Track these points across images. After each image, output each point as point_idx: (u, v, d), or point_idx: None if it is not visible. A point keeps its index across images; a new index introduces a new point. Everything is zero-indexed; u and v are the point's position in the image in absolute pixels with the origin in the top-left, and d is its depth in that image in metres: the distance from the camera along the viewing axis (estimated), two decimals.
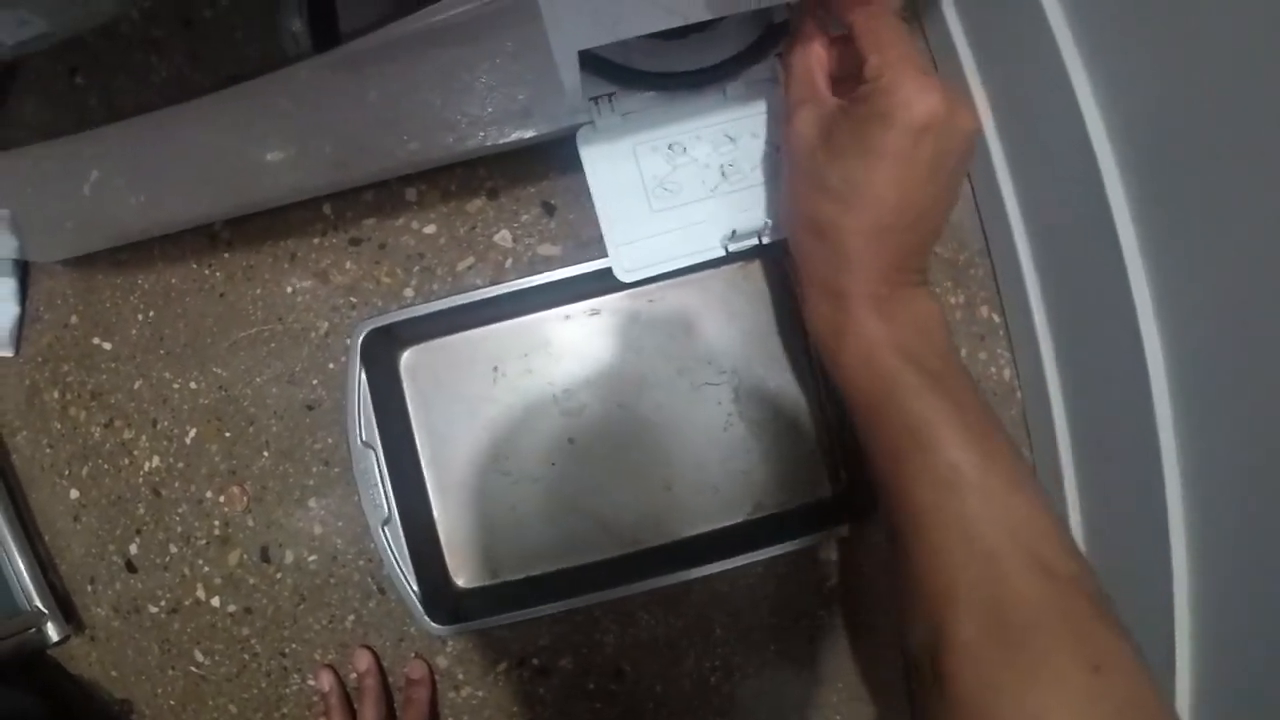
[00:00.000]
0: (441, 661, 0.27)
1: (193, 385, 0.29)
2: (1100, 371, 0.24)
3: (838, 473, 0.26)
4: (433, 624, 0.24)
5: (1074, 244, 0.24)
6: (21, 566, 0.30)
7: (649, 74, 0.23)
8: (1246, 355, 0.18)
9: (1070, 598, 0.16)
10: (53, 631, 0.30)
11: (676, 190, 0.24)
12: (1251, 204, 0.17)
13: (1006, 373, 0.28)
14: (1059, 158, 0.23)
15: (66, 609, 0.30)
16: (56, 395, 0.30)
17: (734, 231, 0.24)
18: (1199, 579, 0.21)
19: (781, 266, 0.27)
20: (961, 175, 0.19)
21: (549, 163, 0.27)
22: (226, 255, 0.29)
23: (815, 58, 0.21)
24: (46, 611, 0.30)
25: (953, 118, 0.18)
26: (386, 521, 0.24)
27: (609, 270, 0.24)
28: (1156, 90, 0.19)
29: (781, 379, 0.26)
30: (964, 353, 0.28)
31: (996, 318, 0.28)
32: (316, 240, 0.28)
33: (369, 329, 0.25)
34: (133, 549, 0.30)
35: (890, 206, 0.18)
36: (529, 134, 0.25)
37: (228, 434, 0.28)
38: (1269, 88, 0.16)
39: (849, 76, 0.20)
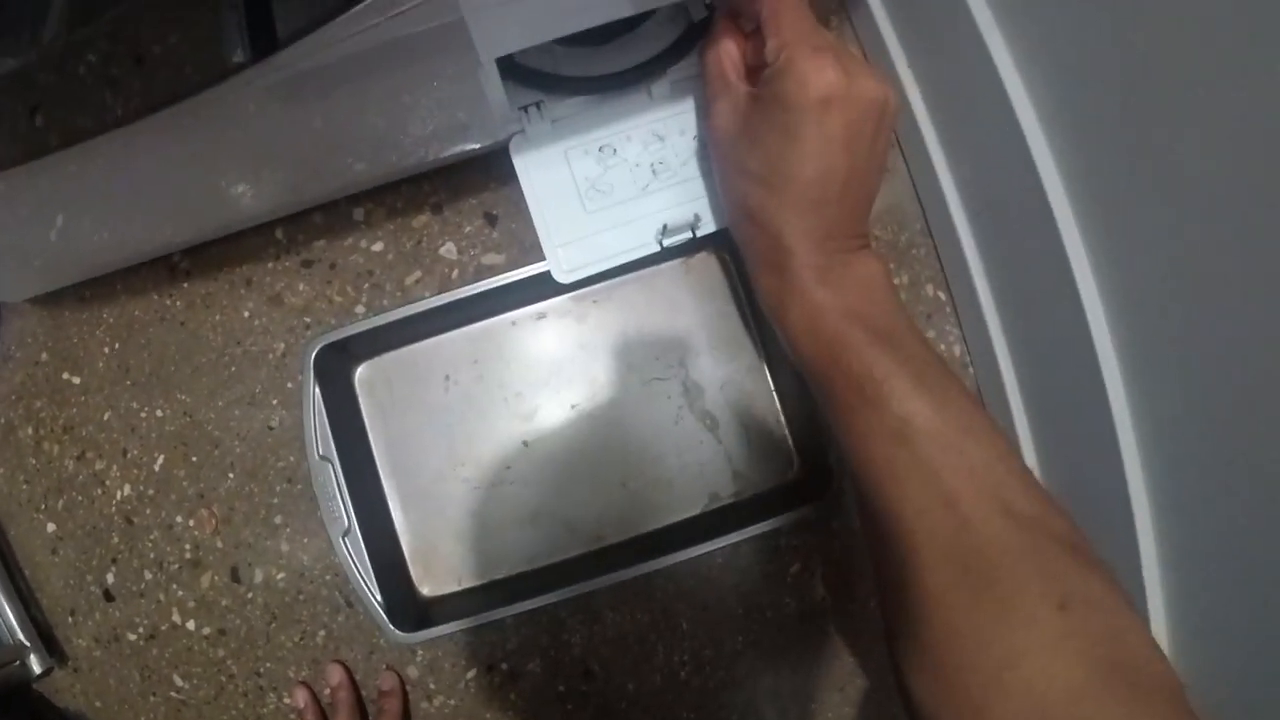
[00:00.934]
0: (412, 671, 0.28)
1: (159, 413, 0.30)
2: (1047, 338, 0.25)
3: (793, 457, 0.27)
4: (398, 633, 0.25)
5: (1011, 217, 0.25)
6: (2, 601, 0.31)
7: (574, 79, 0.24)
8: (1182, 302, 0.19)
9: (1035, 536, 0.16)
10: (36, 665, 0.31)
11: (609, 190, 0.25)
12: (1175, 162, 0.18)
13: (957, 349, 0.29)
14: (988, 134, 0.24)
15: (49, 641, 0.31)
16: (30, 431, 0.32)
17: (665, 226, 0.24)
18: (1160, 521, 0.21)
19: (722, 258, 0.27)
20: (881, 140, 0.20)
21: (489, 174, 0.28)
22: (185, 285, 0.30)
23: (727, 52, 0.22)
24: (29, 645, 0.31)
25: (853, 87, 0.18)
26: (346, 533, 0.25)
27: (549, 274, 0.25)
28: (1075, 53, 0.20)
29: (729, 369, 0.27)
30: None
31: (942, 295, 0.29)
32: (270, 264, 0.29)
33: (320, 345, 0.26)
34: (109, 578, 0.30)
35: (811, 181, 0.19)
36: (469, 147, 0.26)
37: (194, 459, 0.29)
38: (1187, 56, 0.17)
39: (762, 65, 0.21)
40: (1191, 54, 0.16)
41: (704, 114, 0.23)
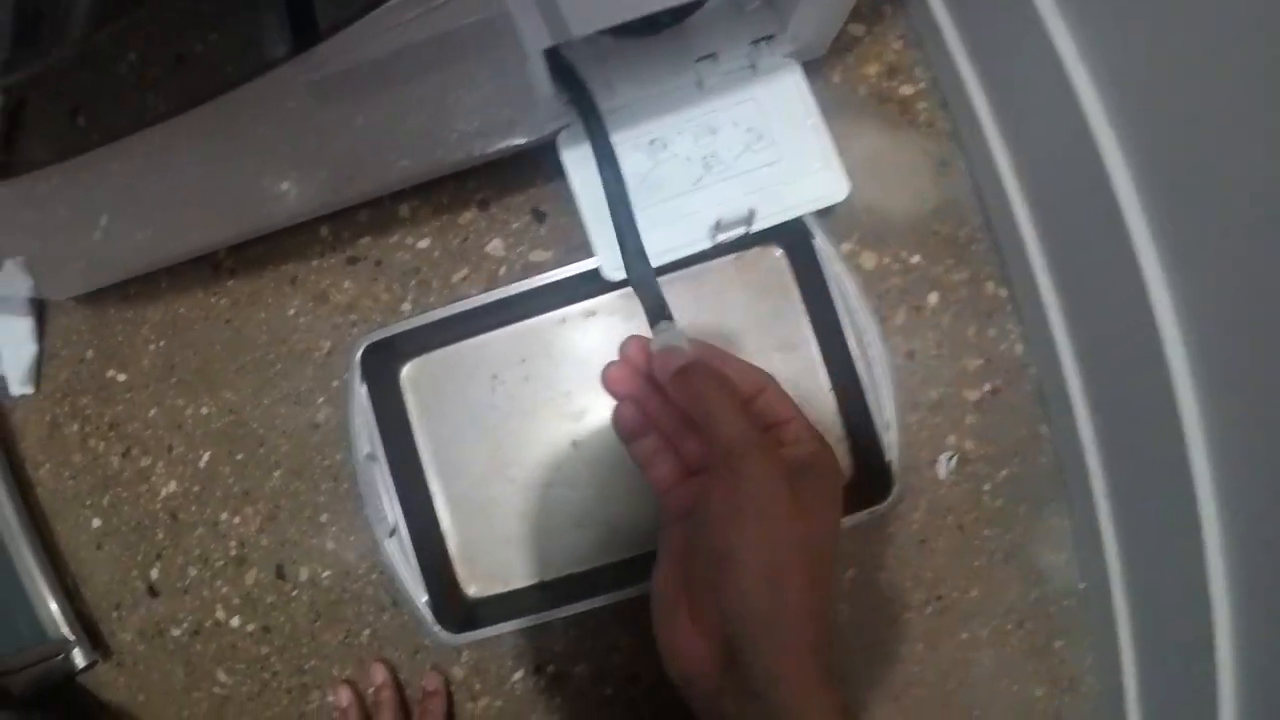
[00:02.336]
0: (458, 672, 0.29)
1: (204, 410, 0.31)
2: (1112, 336, 0.24)
3: (850, 460, 0.27)
4: (443, 633, 0.25)
5: (1075, 211, 0.24)
6: (48, 595, 0.32)
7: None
8: (1258, 299, 0.18)
9: None
10: (79, 658, 0.32)
11: (660, 186, 0.25)
12: (1249, 154, 0.17)
13: (1018, 348, 0.29)
14: (1052, 126, 0.24)
15: (93, 635, 0.32)
16: (76, 428, 0.33)
17: (719, 222, 0.25)
18: (1228, 531, 0.21)
19: (775, 253, 0.27)
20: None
21: (537, 170, 0.29)
22: (230, 283, 0.31)
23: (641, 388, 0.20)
24: (73, 639, 0.32)
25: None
26: (392, 532, 0.26)
27: (599, 270, 0.25)
28: (1143, 40, 0.19)
29: (783, 368, 0.27)
30: (971, 332, 0.29)
31: (1003, 292, 0.29)
32: (315, 262, 0.30)
33: (367, 344, 0.26)
34: (154, 573, 0.32)
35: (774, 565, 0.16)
36: (515, 143, 0.27)
37: (239, 456, 0.30)
38: (1254, 46, 0.16)
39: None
40: (1262, 42, 0.16)
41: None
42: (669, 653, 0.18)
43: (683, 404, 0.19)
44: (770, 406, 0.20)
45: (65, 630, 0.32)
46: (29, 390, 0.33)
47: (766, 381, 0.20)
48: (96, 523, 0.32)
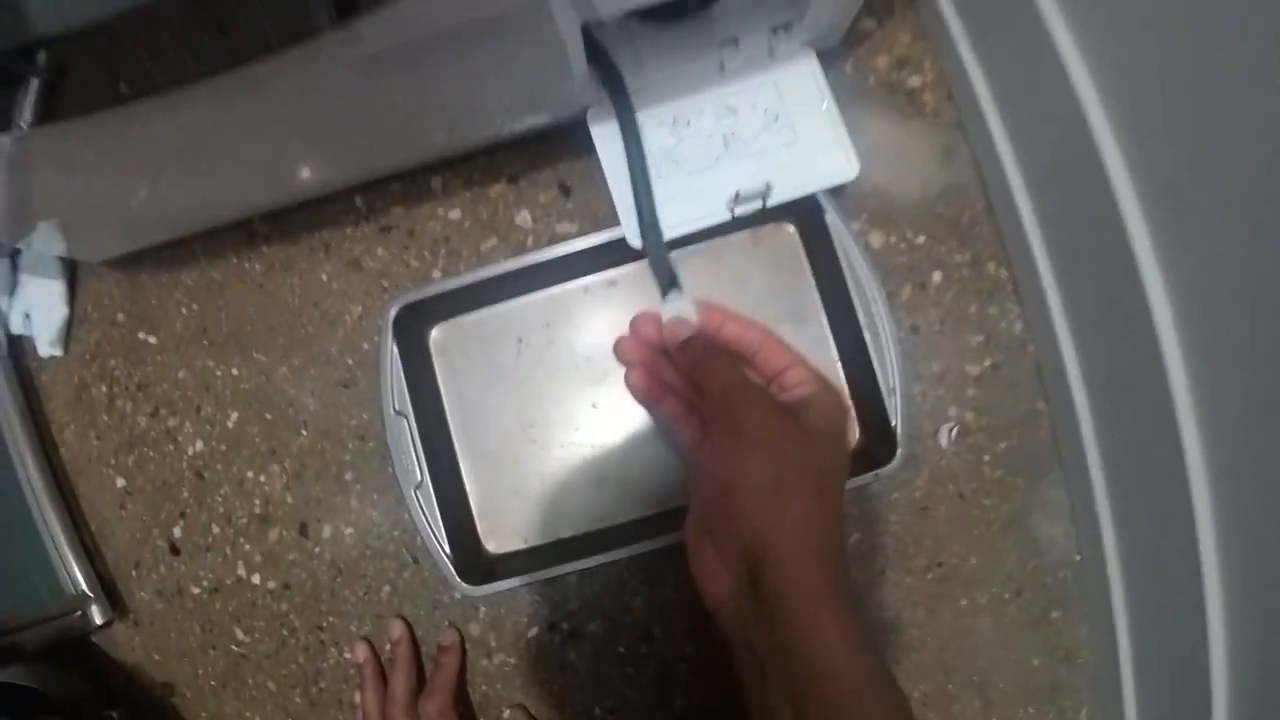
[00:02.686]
0: (474, 629, 0.30)
1: (234, 371, 0.32)
2: (1106, 316, 0.26)
3: (856, 426, 0.28)
4: (465, 585, 0.27)
5: (1073, 196, 0.26)
6: (68, 553, 0.33)
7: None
8: (1247, 284, 0.20)
9: None
10: (97, 615, 0.33)
11: (682, 161, 0.27)
12: (1239, 145, 0.19)
13: (1017, 326, 0.30)
14: (1050, 114, 0.25)
15: (111, 595, 0.33)
16: (104, 389, 0.34)
17: (738, 194, 0.26)
18: (1219, 505, 0.22)
19: (789, 230, 0.29)
20: None
21: (564, 147, 0.30)
22: (265, 249, 0.32)
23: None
24: (92, 595, 0.33)
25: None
26: (419, 486, 0.27)
27: (623, 241, 0.27)
28: (1138, 32, 0.21)
29: (794, 338, 0.29)
30: (973, 310, 0.30)
31: (1004, 273, 0.31)
32: (349, 230, 0.32)
33: (400, 305, 0.28)
34: (176, 532, 0.33)
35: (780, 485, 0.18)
36: (545, 120, 0.28)
37: (268, 416, 0.32)
38: (1250, 39, 0.18)
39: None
40: (1259, 38, 0.18)
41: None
42: (700, 585, 0.20)
43: (687, 372, 0.22)
44: (770, 359, 0.22)
45: (84, 587, 0.33)
46: (58, 352, 0.35)
47: (765, 336, 0.22)
48: (120, 482, 0.34)
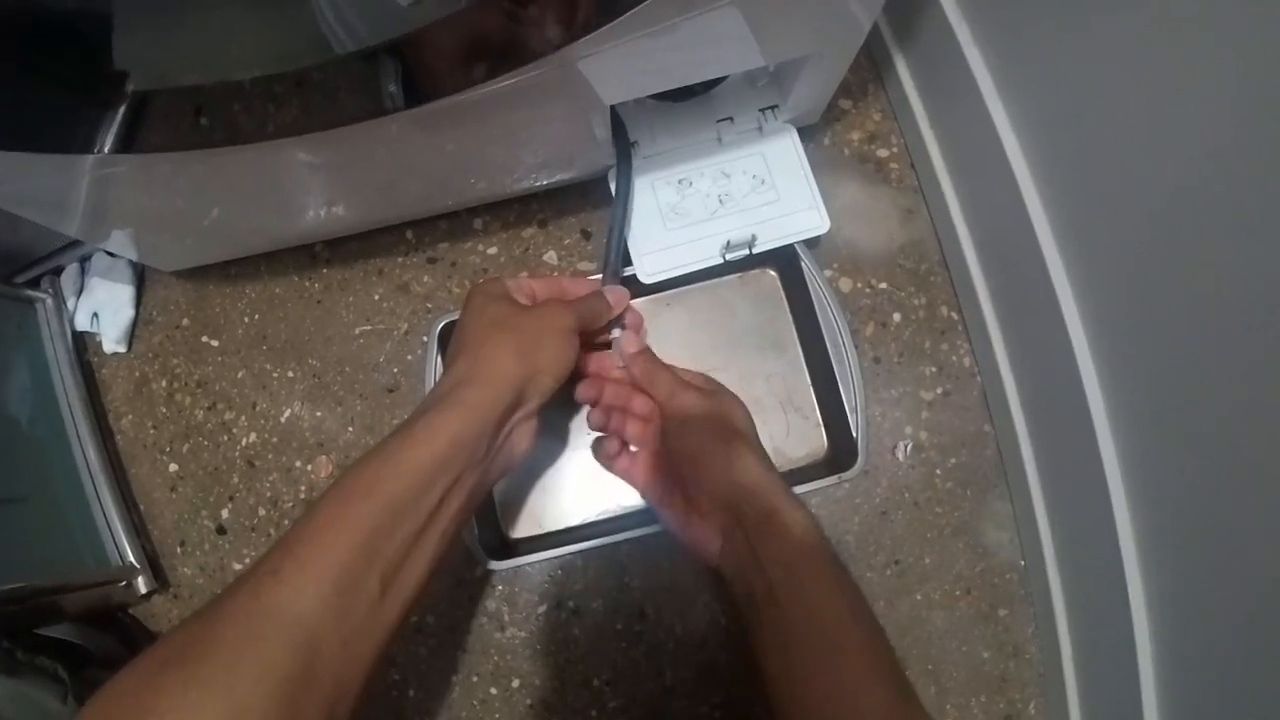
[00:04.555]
0: (490, 604, 0.37)
1: (290, 374, 0.40)
2: (1039, 352, 0.34)
3: (824, 438, 0.36)
4: (490, 560, 0.34)
5: (1010, 253, 0.35)
6: (119, 526, 0.39)
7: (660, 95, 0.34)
8: (1152, 316, 0.27)
9: None
10: (141, 585, 0.39)
11: (685, 214, 0.36)
12: (1140, 212, 0.26)
13: (966, 360, 0.39)
14: (990, 182, 0.34)
15: (155, 569, 0.40)
16: (164, 384, 0.42)
17: (729, 242, 0.35)
18: (1136, 514, 0.29)
19: (771, 275, 0.38)
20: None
21: (586, 199, 0.39)
22: (325, 270, 0.41)
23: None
24: (138, 567, 0.39)
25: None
26: None
27: (634, 277, 0.35)
28: (1063, 120, 0.29)
29: (774, 364, 0.37)
30: (927, 345, 0.39)
31: (955, 315, 0.39)
32: (400, 259, 0.40)
33: (443, 322, 0.36)
34: (224, 514, 0.40)
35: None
36: (571, 175, 0.37)
37: (319, 413, 0.39)
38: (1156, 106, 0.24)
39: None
40: (1162, 100, 0.24)
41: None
42: (693, 545, 0.28)
43: (637, 380, 0.32)
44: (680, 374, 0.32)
45: (131, 559, 0.39)
46: (121, 349, 0.42)
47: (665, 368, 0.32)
48: (173, 467, 0.41)
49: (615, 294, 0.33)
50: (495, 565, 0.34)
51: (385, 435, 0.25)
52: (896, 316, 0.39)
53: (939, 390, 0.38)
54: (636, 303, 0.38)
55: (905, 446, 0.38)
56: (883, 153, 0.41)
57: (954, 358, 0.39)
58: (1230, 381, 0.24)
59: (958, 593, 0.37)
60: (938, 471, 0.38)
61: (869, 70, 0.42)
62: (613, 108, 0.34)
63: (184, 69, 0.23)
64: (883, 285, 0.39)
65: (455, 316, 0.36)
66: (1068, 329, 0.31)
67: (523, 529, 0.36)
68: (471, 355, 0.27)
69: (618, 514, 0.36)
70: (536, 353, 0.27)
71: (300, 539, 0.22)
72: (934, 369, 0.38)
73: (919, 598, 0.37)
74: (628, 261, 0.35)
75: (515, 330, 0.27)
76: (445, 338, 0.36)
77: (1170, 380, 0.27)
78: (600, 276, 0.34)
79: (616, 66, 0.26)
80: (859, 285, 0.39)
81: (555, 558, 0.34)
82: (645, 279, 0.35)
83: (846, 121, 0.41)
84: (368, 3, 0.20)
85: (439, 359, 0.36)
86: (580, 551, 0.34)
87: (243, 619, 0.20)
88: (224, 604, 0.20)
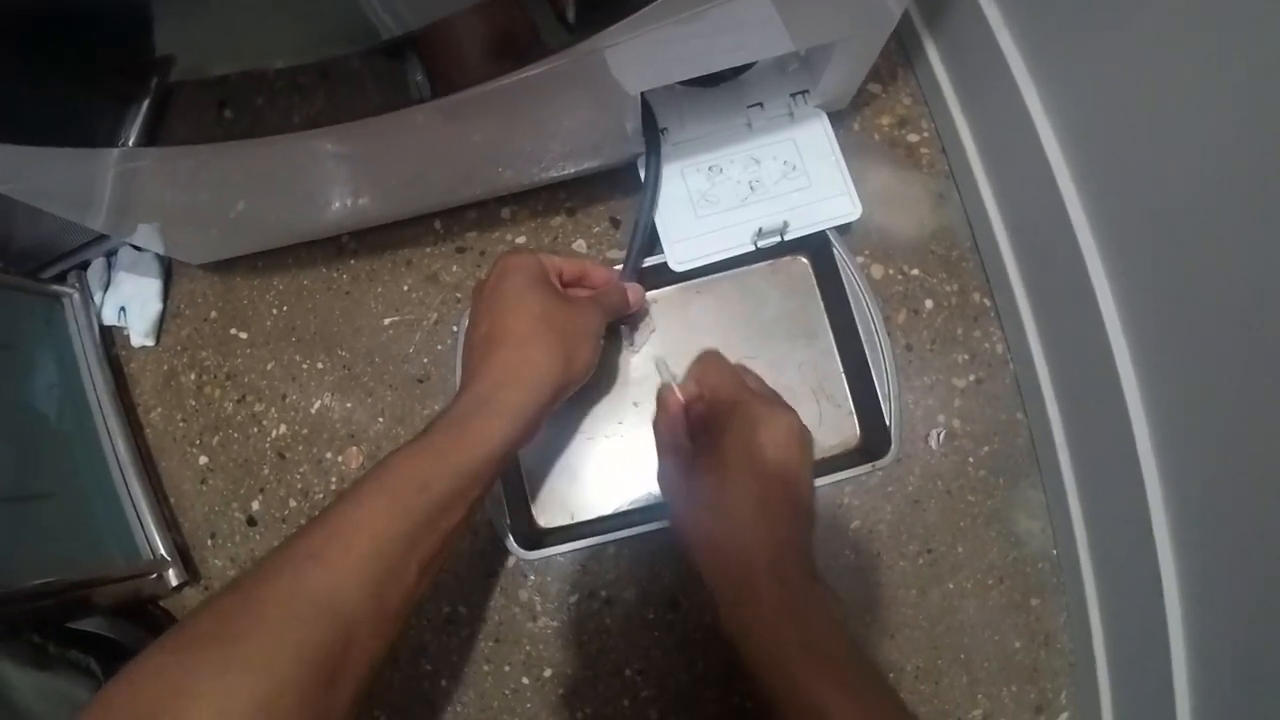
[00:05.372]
0: (522, 594, 0.38)
1: (319, 365, 0.41)
2: (1073, 338, 0.34)
3: (856, 426, 0.37)
4: (521, 550, 0.35)
5: (1042, 235, 0.35)
6: (149, 519, 0.41)
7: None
8: (1187, 304, 0.26)
9: None
10: (172, 578, 0.40)
11: (715, 201, 0.37)
12: (1176, 194, 0.26)
13: (999, 347, 0.39)
14: (1024, 166, 0.34)
15: (185, 562, 0.41)
16: (193, 377, 0.43)
17: (760, 229, 0.36)
18: (1170, 503, 0.30)
19: (803, 262, 0.39)
20: (810, 463, 0.28)
21: (615, 187, 0.40)
22: (352, 261, 0.42)
23: (676, 418, 0.32)
24: (169, 559, 0.41)
25: (791, 420, 0.28)
26: None
27: (664, 265, 0.36)
28: (1096, 106, 0.29)
29: (805, 352, 0.38)
30: (960, 332, 0.39)
31: (987, 301, 0.40)
32: (428, 249, 0.41)
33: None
34: (255, 505, 0.41)
35: (774, 512, 0.26)
36: (599, 163, 0.38)
37: (349, 404, 0.40)
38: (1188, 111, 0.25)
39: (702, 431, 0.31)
40: (1202, 94, 0.24)
41: (661, 473, 0.32)
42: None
43: (704, 388, 0.32)
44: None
45: (162, 552, 0.41)
46: (150, 343, 0.44)
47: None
48: (203, 460, 0.42)
49: (634, 291, 0.34)
50: (527, 555, 0.35)
51: (428, 424, 0.26)
52: (929, 303, 0.40)
53: (971, 378, 0.39)
54: (666, 291, 0.39)
55: (938, 435, 0.38)
56: (913, 137, 0.42)
57: (986, 345, 0.39)
58: (1267, 368, 0.24)
59: (990, 582, 0.38)
60: (970, 460, 0.38)
61: (898, 54, 0.42)
62: (642, 94, 0.35)
63: (225, 58, 0.23)
64: (915, 272, 0.40)
65: None
66: (1102, 315, 0.32)
67: (554, 518, 0.37)
68: (517, 351, 0.27)
69: (649, 503, 0.37)
70: (575, 358, 0.28)
71: (345, 525, 0.22)
72: (966, 356, 0.39)
73: (951, 586, 0.38)
74: (656, 250, 0.36)
75: (559, 331, 0.28)
76: None
77: (1206, 367, 0.27)
78: (620, 268, 0.35)
79: (645, 54, 0.27)
80: (890, 272, 0.40)
81: (587, 548, 0.35)
82: (676, 267, 0.36)
83: (876, 106, 0.42)
84: None
85: None
86: (612, 541, 0.35)
87: (285, 601, 0.20)
88: (264, 584, 0.21)
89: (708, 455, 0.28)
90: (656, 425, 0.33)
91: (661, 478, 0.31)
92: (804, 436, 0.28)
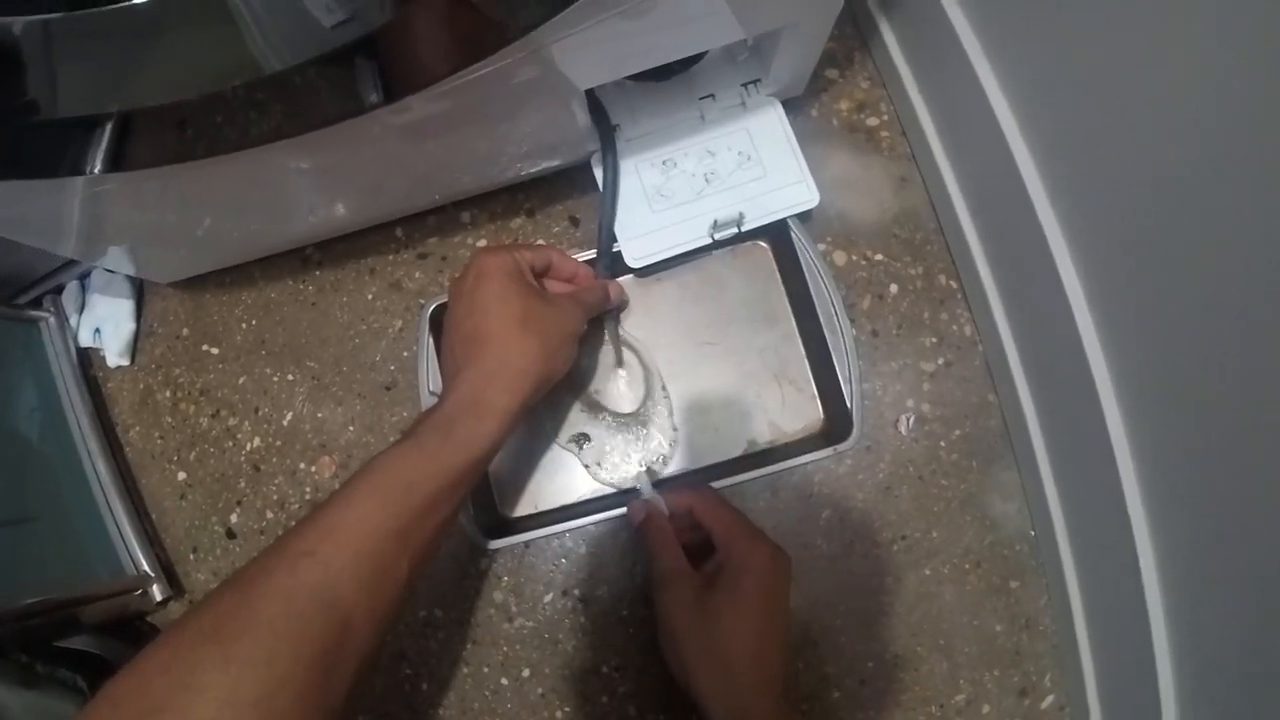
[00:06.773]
0: (497, 596, 0.40)
1: (289, 377, 0.43)
2: (1040, 318, 0.35)
3: (819, 410, 0.39)
4: (485, 539, 0.37)
5: (1005, 217, 0.36)
6: (131, 537, 0.43)
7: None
8: (1151, 277, 0.27)
9: None
10: (157, 593, 0.43)
11: (671, 195, 0.39)
12: (1135, 170, 0.27)
13: (967, 329, 0.41)
14: (981, 145, 0.35)
15: (169, 577, 0.44)
16: (168, 394, 0.45)
17: (716, 221, 0.38)
18: (1142, 463, 0.31)
19: (762, 247, 0.40)
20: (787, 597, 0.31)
21: (572, 186, 0.42)
22: (317, 272, 0.44)
23: (670, 536, 0.33)
24: (153, 575, 0.43)
25: (780, 558, 0.31)
26: None
27: (619, 257, 0.38)
28: (1047, 72, 0.30)
29: (767, 337, 0.40)
30: (926, 316, 0.41)
31: (954, 283, 0.41)
32: (391, 256, 0.43)
33: (435, 305, 0.39)
34: (234, 518, 0.43)
35: (768, 650, 0.29)
36: (557, 163, 0.40)
37: (320, 415, 0.43)
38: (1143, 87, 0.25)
39: (693, 545, 0.33)
40: (1152, 72, 0.24)
41: (664, 599, 0.32)
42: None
43: (699, 516, 0.34)
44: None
45: (145, 567, 0.43)
46: (125, 362, 0.46)
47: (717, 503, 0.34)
48: (181, 475, 0.44)
49: (615, 288, 0.36)
50: (494, 544, 0.37)
51: (414, 424, 0.28)
52: (894, 288, 0.41)
53: (940, 361, 0.40)
54: (626, 279, 0.40)
55: (908, 420, 0.40)
56: (872, 121, 0.43)
57: (954, 327, 0.41)
58: (1233, 342, 0.25)
59: (967, 566, 0.39)
60: (942, 444, 0.40)
61: (854, 38, 0.44)
62: (592, 92, 0.36)
63: (114, 95, 0.23)
64: (878, 257, 0.41)
65: (446, 299, 0.39)
66: (1066, 292, 0.33)
67: (519, 508, 0.39)
68: (501, 353, 0.29)
69: (611, 492, 0.38)
70: (556, 358, 0.30)
71: (338, 524, 0.24)
72: (934, 339, 0.41)
73: (928, 572, 0.39)
74: (615, 241, 0.38)
75: (541, 333, 0.29)
76: (436, 319, 0.39)
77: (1172, 341, 0.28)
78: (594, 254, 0.37)
79: (589, 48, 0.28)
80: (854, 258, 0.41)
81: (553, 534, 0.37)
82: (632, 264, 0.38)
83: (834, 91, 0.44)
84: (291, 25, 0.21)
85: (430, 340, 0.39)
86: (579, 529, 0.37)
87: (283, 597, 0.22)
88: (261, 581, 0.22)
89: (710, 592, 0.31)
90: (648, 543, 0.34)
91: (665, 604, 0.32)
92: (789, 568, 0.32)
